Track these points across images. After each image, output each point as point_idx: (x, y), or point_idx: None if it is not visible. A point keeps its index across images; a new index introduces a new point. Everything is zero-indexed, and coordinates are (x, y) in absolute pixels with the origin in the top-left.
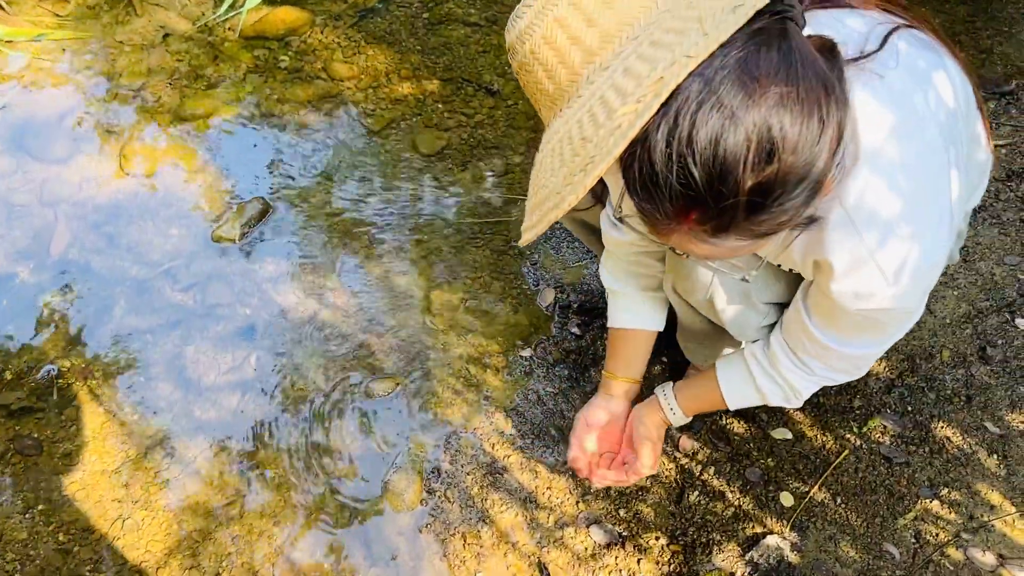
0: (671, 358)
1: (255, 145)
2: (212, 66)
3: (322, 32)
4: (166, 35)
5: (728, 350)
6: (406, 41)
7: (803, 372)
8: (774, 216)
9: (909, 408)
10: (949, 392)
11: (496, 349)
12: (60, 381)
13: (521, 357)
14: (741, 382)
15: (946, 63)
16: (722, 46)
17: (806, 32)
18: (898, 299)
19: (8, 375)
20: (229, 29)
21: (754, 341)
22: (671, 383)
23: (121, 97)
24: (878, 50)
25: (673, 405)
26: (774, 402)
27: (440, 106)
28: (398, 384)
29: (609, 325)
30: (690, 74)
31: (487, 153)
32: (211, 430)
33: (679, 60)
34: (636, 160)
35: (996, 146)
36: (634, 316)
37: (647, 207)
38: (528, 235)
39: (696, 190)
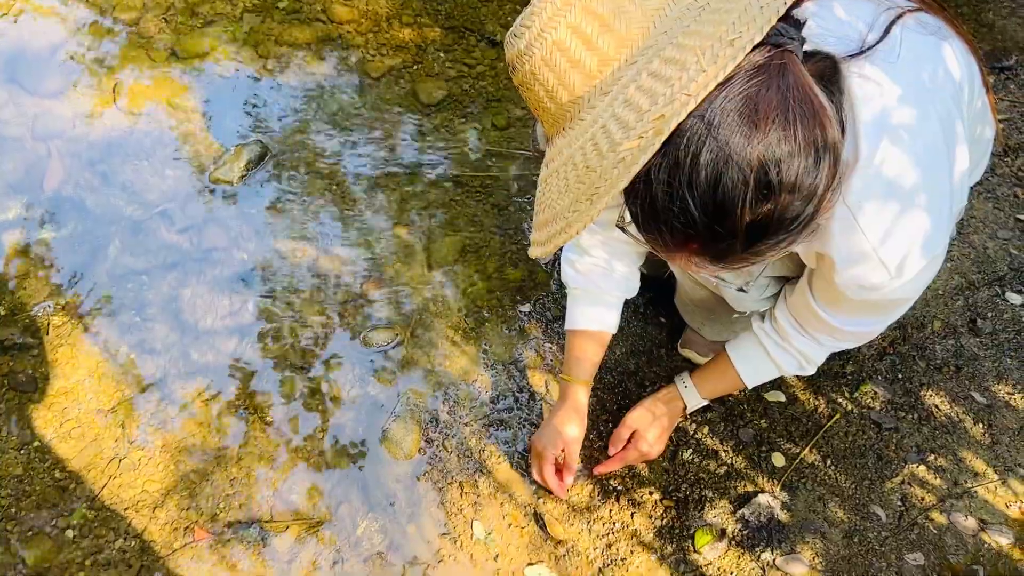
0: (668, 318)
1: (252, 87)
2: (208, 3)
3: None
4: None
5: (729, 315)
6: None
7: (813, 343)
8: (771, 246)
9: (900, 376)
10: (939, 362)
11: (495, 303)
12: (54, 319)
13: (520, 312)
14: (756, 359)
15: (953, 45)
16: (722, 84)
17: (807, 47)
18: (901, 290)
19: (2, 310)
20: None
21: (753, 312)
22: (687, 372)
23: (115, 32)
24: (879, 42)
25: (689, 384)
26: (790, 372)
27: (441, 55)
28: (397, 335)
29: (571, 328)
30: (691, 113)
31: (488, 105)
32: (209, 373)
33: (678, 97)
34: (638, 196)
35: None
36: (598, 318)
37: (649, 236)
38: (537, 251)
39: (695, 228)
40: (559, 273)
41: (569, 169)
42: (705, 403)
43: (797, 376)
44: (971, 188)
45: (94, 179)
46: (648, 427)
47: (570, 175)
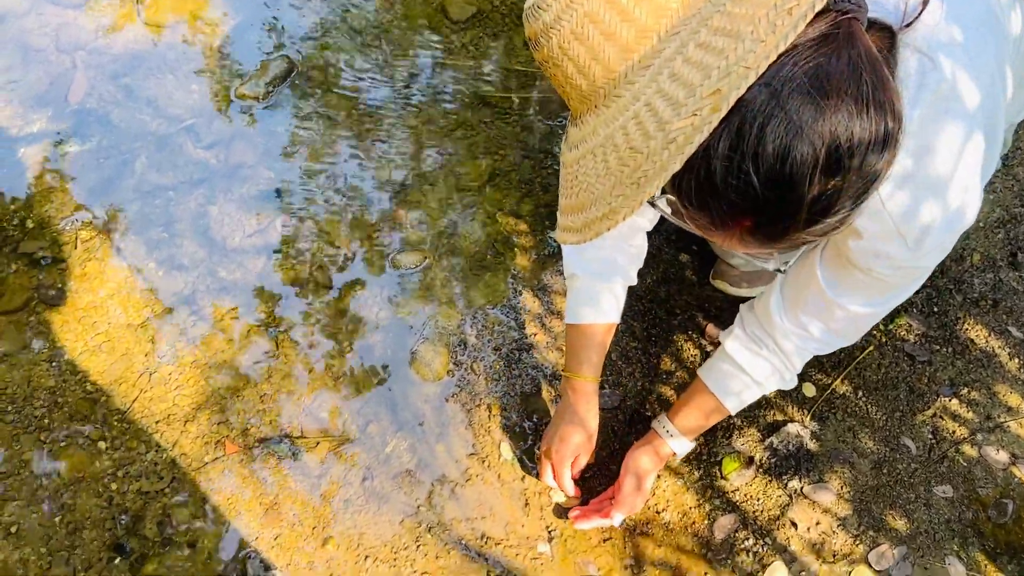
0: (700, 248)
1: (277, 0)
2: None
3: None
4: None
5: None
6: None
7: (799, 335)
8: (828, 226)
9: (936, 308)
10: (976, 295)
11: (524, 228)
12: (82, 233)
13: (549, 238)
14: (733, 379)
15: None
16: (785, 53)
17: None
18: (913, 262)
19: (30, 224)
20: None
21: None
22: (664, 414)
23: None
24: (921, 11)
25: (673, 433)
26: (771, 386)
27: None
28: (425, 257)
29: (570, 322)
30: (752, 84)
31: (519, 22)
32: (237, 291)
33: (735, 70)
34: (692, 169)
35: None
36: (599, 309)
37: (698, 215)
38: (572, 238)
39: (755, 204)
40: None
41: (609, 150)
42: (693, 446)
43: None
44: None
45: (119, 93)
46: (651, 483)
47: (610, 157)
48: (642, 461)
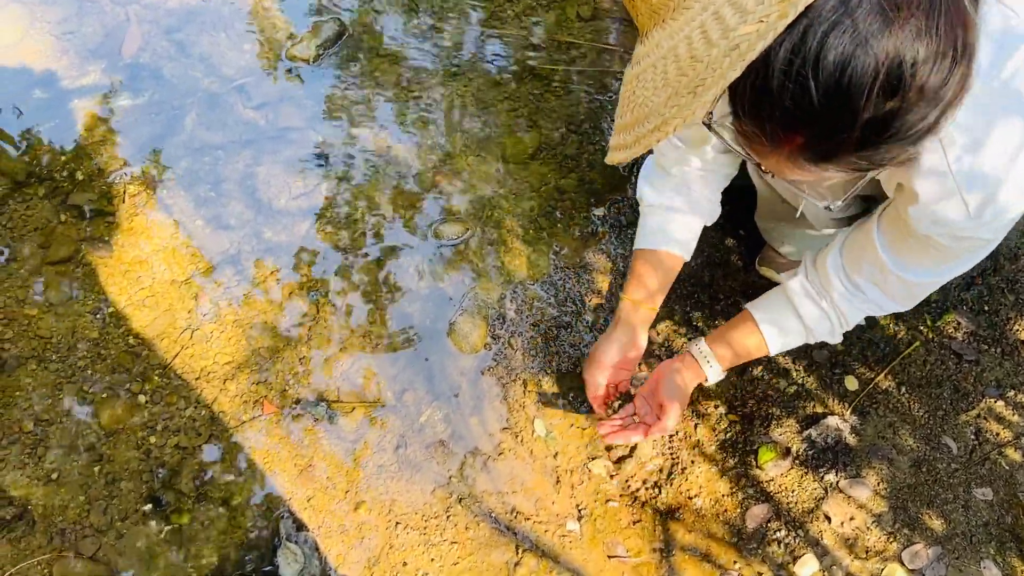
0: (749, 233)
1: None
2: None
3: None
4: None
5: (805, 232)
6: None
7: (855, 297)
8: (880, 153)
9: (986, 308)
10: None
11: (568, 205)
12: (131, 187)
13: (594, 216)
14: (783, 318)
15: None
16: None
17: None
18: (974, 230)
19: (80, 176)
20: None
21: (828, 231)
22: (702, 338)
23: None
24: None
25: (709, 358)
26: (819, 335)
27: None
28: (467, 229)
29: (639, 247)
30: None
31: None
32: (281, 253)
33: None
34: (749, 75)
35: None
36: (669, 238)
37: (751, 125)
38: (620, 155)
39: (810, 114)
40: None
41: (669, 61)
42: (724, 376)
43: None
44: None
45: (171, 48)
46: (684, 405)
47: (670, 68)
48: (676, 383)
